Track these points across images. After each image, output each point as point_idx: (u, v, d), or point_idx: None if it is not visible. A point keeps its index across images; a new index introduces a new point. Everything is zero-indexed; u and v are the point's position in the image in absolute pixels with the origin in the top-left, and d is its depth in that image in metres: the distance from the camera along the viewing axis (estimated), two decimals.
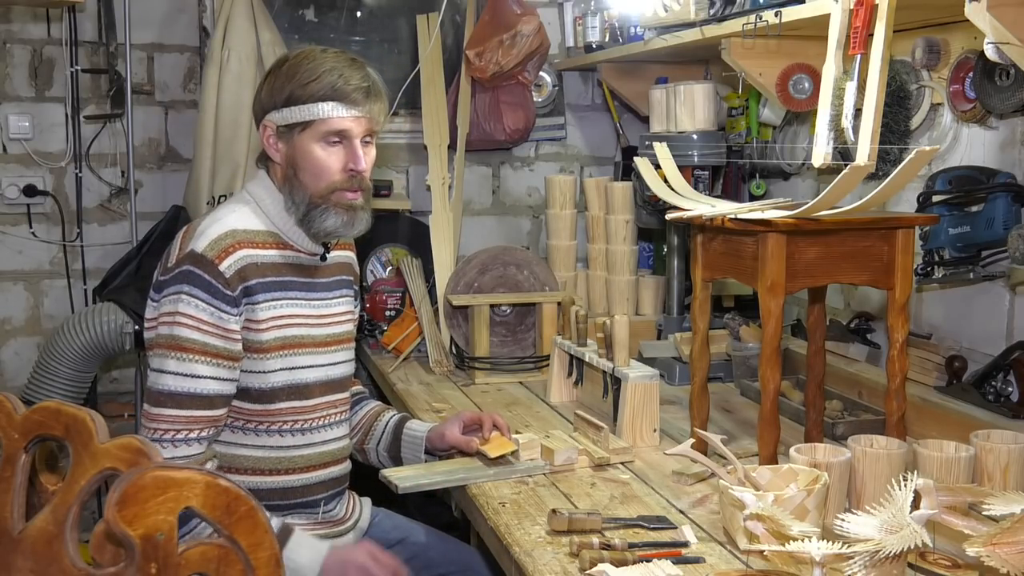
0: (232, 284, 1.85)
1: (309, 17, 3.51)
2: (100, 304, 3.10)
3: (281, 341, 1.93)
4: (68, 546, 1.28)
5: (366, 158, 1.94)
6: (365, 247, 3.28)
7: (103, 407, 3.27)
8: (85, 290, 3.38)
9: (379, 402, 2.30)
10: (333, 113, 1.89)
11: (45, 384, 3.03)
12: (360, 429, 2.21)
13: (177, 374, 1.82)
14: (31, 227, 3.34)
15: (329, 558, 1.81)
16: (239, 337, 1.87)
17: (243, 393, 1.91)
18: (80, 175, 3.34)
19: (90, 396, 3.15)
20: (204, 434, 1.84)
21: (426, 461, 2.12)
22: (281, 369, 1.93)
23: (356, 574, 1.79)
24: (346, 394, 2.10)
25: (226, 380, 1.86)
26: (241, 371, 1.90)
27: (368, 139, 1.95)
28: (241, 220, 1.93)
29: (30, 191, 3.29)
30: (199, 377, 1.82)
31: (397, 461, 2.16)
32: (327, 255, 2.03)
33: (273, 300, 1.92)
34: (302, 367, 1.96)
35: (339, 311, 2.06)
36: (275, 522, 1.82)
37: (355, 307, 2.16)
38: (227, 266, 1.85)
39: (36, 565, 1.30)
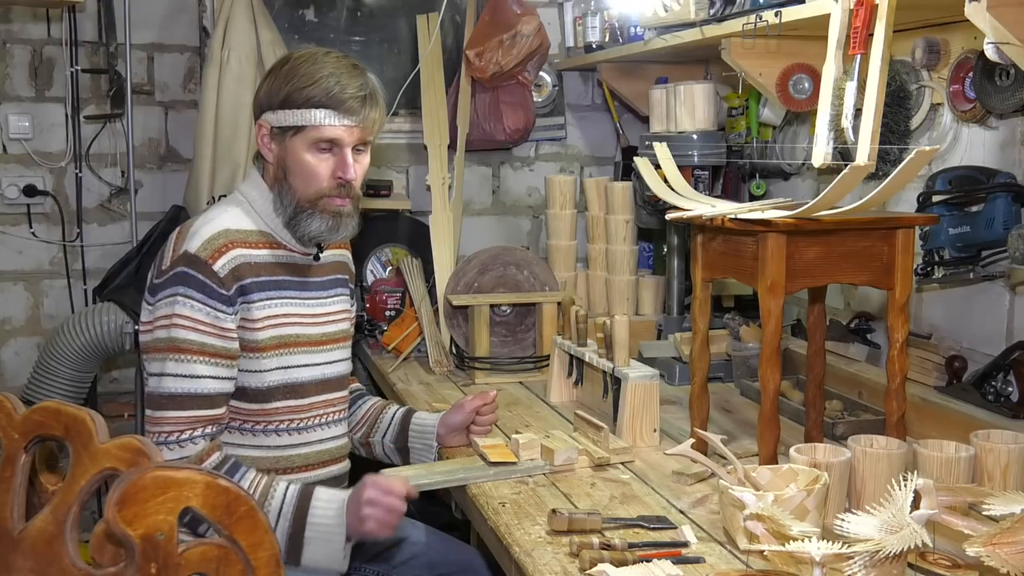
0: (227, 283, 1.86)
1: (309, 17, 3.51)
2: (100, 304, 3.10)
3: (277, 340, 1.93)
4: (68, 546, 1.28)
5: (358, 166, 1.94)
6: (365, 247, 3.28)
7: (103, 407, 3.26)
8: (85, 290, 3.38)
9: (380, 398, 2.31)
10: (325, 121, 1.88)
11: (45, 384, 3.03)
12: (365, 423, 2.21)
13: (177, 376, 1.82)
14: (31, 227, 3.34)
15: (349, 506, 1.79)
16: (236, 336, 1.88)
17: (239, 392, 1.91)
18: (80, 175, 3.35)
19: (90, 396, 3.15)
20: (208, 431, 1.84)
21: (436, 448, 2.13)
22: (277, 368, 1.94)
23: (369, 510, 1.77)
24: (344, 392, 2.10)
25: (225, 379, 1.87)
26: (238, 370, 1.90)
27: (361, 147, 1.95)
28: (234, 220, 1.93)
29: (30, 191, 3.29)
30: (199, 377, 1.83)
31: (404, 452, 2.17)
32: (320, 255, 2.04)
33: (268, 299, 1.92)
34: (298, 366, 1.97)
35: (334, 310, 2.07)
36: (293, 489, 1.81)
37: (351, 306, 2.16)
38: (221, 265, 1.86)
39: (36, 565, 1.30)
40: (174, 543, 1.18)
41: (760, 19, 2.22)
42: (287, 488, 1.82)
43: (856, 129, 1.84)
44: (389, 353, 3.03)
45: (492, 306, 2.81)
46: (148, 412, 1.85)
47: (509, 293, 2.83)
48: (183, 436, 1.81)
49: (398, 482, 1.80)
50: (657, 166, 2.23)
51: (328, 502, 1.80)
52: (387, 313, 3.14)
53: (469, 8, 3.45)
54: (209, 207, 2.18)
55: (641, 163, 2.25)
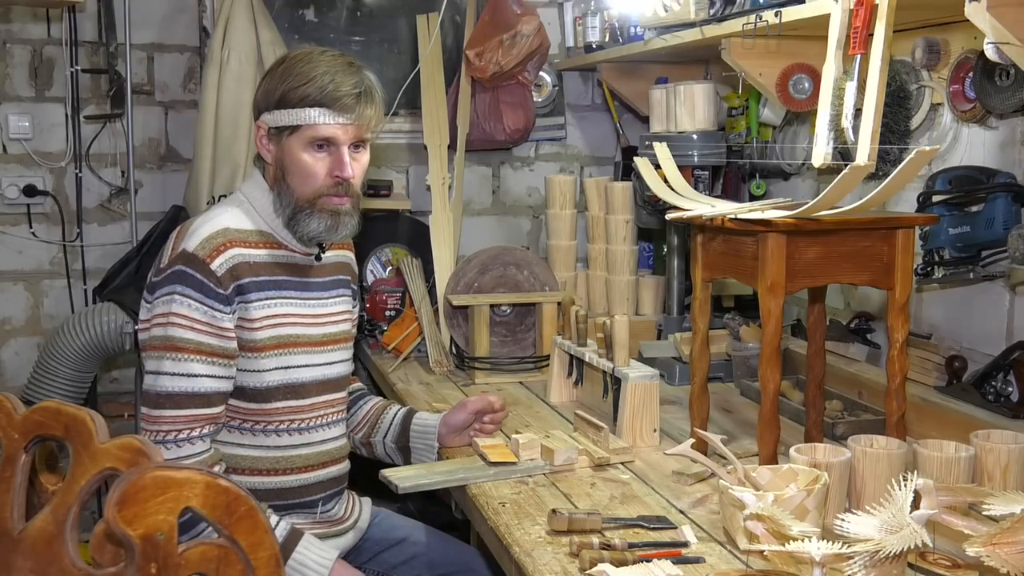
0: (224, 282, 1.85)
1: (309, 17, 3.51)
2: (100, 304, 3.10)
3: (276, 340, 1.93)
4: (68, 546, 1.28)
5: (356, 164, 1.93)
6: (365, 247, 3.28)
7: (103, 407, 3.26)
8: (85, 290, 3.38)
9: (381, 398, 2.31)
10: (320, 120, 1.88)
11: (45, 384, 3.03)
12: (366, 423, 2.22)
13: (173, 374, 1.82)
14: (31, 227, 3.34)
15: (337, 567, 1.82)
16: (233, 335, 1.88)
17: (239, 392, 1.91)
18: (80, 175, 3.34)
19: (90, 396, 3.15)
20: (205, 431, 1.84)
21: (436, 448, 2.14)
22: (276, 368, 1.93)
23: None
24: (344, 393, 2.10)
25: (222, 378, 1.87)
26: (237, 370, 1.90)
27: (358, 145, 1.95)
28: (233, 220, 1.93)
29: (30, 191, 3.29)
30: (195, 376, 1.83)
31: (405, 452, 2.17)
32: (322, 255, 2.04)
33: (266, 299, 1.92)
34: (298, 366, 1.96)
35: (336, 311, 2.06)
36: (284, 524, 1.83)
37: (353, 306, 2.16)
38: (218, 264, 1.85)
39: (36, 565, 1.30)
40: (174, 543, 1.18)
41: (760, 19, 2.23)
42: (277, 522, 1.82)
43: (856, 129, 1.84)
44: (389, 353, 3.03)
45: (492, 306, 2.81)
46: (144, 410, 1.84)
47: (509, 293, 2.83)
48: (180, 435, 1.81)
49: None
50: (657, 166, 2.23)
51: (317, 550, 1.82)
52: (387, 313, 3.15)
53: (469, 8, 3.45)
54: (210, 207, 2.18)
55: (641, 163, 2.25)
